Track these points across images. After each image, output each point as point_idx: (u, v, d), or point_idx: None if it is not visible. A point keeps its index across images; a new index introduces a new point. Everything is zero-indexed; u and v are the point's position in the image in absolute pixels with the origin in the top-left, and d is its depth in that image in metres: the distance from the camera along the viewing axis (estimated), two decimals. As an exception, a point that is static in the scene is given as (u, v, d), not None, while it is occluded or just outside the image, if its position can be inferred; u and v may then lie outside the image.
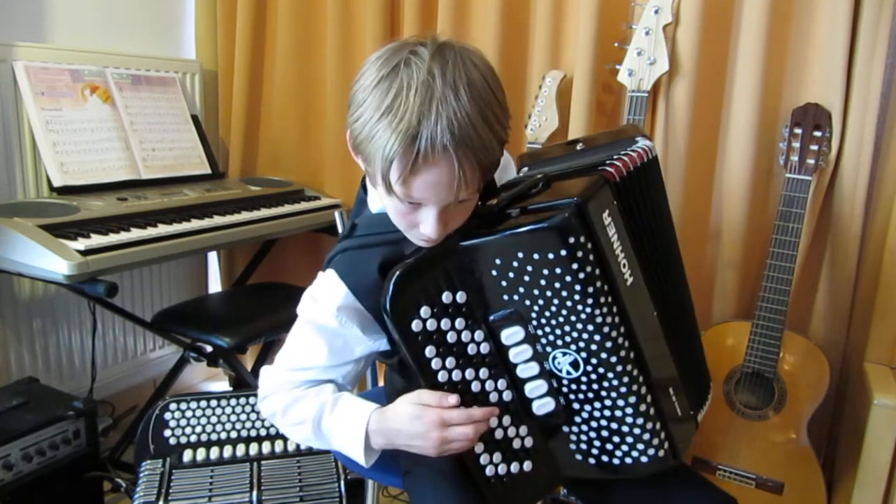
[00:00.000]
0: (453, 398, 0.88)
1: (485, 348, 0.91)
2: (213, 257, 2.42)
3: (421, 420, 0.88)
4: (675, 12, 1.61)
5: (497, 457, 0.93)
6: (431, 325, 0.87)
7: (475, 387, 0.91)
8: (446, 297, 0.88)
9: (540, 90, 1.78)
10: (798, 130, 1.57)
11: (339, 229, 1.47)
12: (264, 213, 1.92)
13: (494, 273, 0.87)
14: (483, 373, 0.91)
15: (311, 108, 2.22)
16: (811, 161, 1.54)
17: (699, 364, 1.12)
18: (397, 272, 0.85)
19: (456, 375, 0.89)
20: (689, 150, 1.70)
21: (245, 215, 1.86)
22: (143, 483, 1.44)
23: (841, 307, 1.69)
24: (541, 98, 1.78)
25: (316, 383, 0.99)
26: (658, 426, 0.93)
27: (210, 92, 2.31)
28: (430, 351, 0.87)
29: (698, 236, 1.77)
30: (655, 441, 0.94)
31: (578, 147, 1.05)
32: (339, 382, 1.00)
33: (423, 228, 0.86)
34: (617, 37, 1.69)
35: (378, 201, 0.98)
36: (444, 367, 0.88)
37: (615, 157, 0.94)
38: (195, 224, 1.72)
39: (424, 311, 0.86)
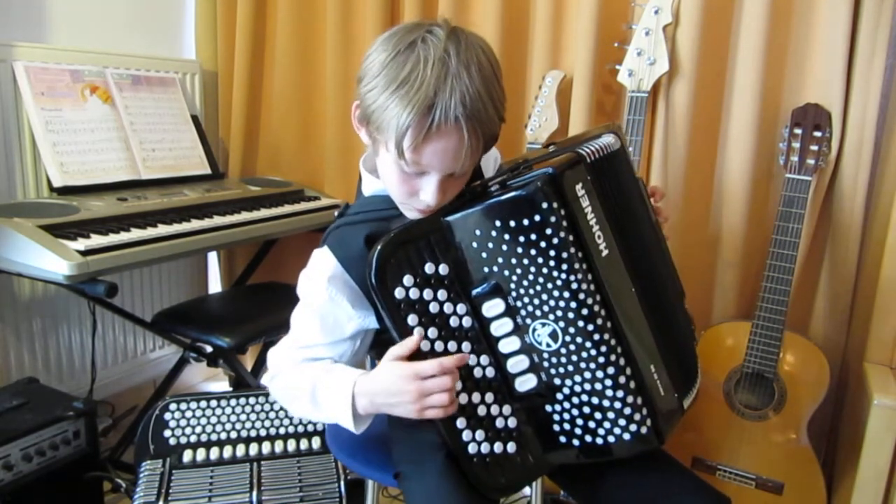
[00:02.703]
0: (415, 337, 0.89)
1: (467, 322, 0.93)
2: (213, 257, 2.42)
3: (396, 374, 0.89)
4: (675, 12, 1.61)
5: (480, 434, 0.94)
6: (414, 293, 0.90)
7: None
8: (429, 267, 0.91)
9: (540, 90, 1.78)
10: (798, 131, 1.57)
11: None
12: (264, 213, 1.92)
13: (475, 245, 0.91)
14: (465, 346, 0.93)
15: (311, 108, 2.22)
16: (811, 161, 1.54)
17: (684, 350, 1.12)
18: (382, 240, 0.89)
19: (438, 346, 0.92)
20: (689, 150, 1.70)
21: (245, 215, 1.86)
22: (143, 483, 1.44)
23: (841, 307, 1.69)
24: (541, 98, 1.78)
25: (314, 361, 1.02)
26: (639, 401, 0.94)
27: (210, 92, 2.31)
28: (412, 319, 0.90)
29: (698, 236, 1.77)
30: (637, 416, 0.94)
31: (551, 149, 1.07)
32: (337, 362, 1.02)
33: (424, 196, 0.92)
34: (617, 37, 1.69)
35: (372, 185, 1.03)
36: (426, 337, 0.91)
37: (586, 144, 0.99)
38: (195, 224, 1.72)
39: (408, 279, 0.90)
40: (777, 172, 1.70)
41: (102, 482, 1.66)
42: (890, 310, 1.52)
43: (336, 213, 1.07)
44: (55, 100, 1.77)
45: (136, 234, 1.57)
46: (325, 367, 0.99)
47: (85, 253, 1.44)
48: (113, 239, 1.51)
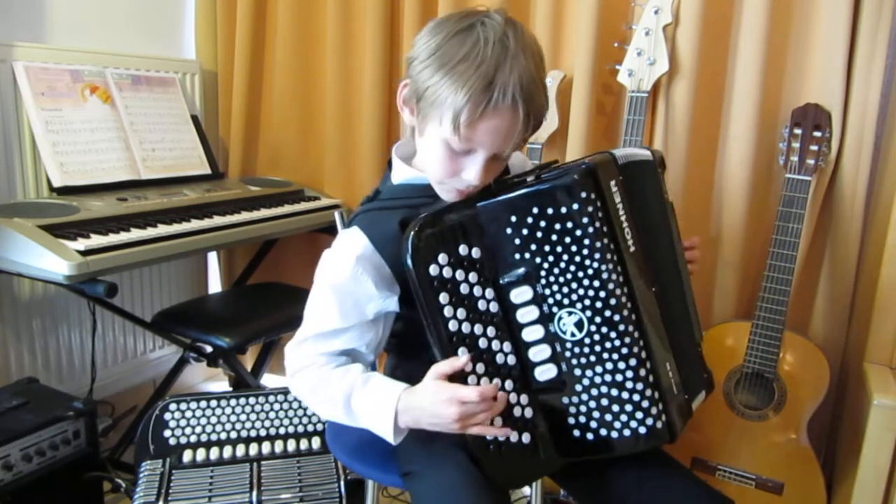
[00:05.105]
0: (464, 357, 0.90)
1: (493, 307, 0.95)
2: (213, 257, 2.42)
3: (438, 397, 0.90)
4: (675, 12, 1.61)
5: (497, 421, 0.95)
6: (447, 272, 0.92)
7: (482, 343, 0.94)
8: (463, 249, 0.93)
9: (540, 90, 1.78)
10: (798, 131, 1.57)
11: (339, 229, 1.47)
12: (264, 213, 1.92)
13: (509, 231, 0.93)
14: (490, 331, 0.95)
15: (311, 108, 2.22)
16: (811, 161, 1.54)
17: (694, 354, 1.13)
18: (421, 218, 0.91)
19: (465, 328, 0.93)
20: (689, 150, 1.70)
21: (245, 215, 1.86)
22: (143, 483, 1.44)
23: (841, 307, 1.69)
24: (541, 98, 1.77)
25: (337, 355, 1.02)
26: (656, 395, 0.96)
27: (210, 92, 2.31)
28: (443, 298, 0.91)
29: (698, 236, 1.77)
30: (654, 410, 0.96)
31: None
32: (360, 351, 1.03)
33: (467, 175, 0.94)
34: (617, 37, 1.69)
35: (403, 173, 1.04)
36: (455, 317, 0.92)
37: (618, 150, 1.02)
38: (195, 224, 1.72)
39: (442, 258, 0.91)
40: (777, 172, 1.70)
41: (102, 482, 1.66)
42: (890, 310, 1.52)
43: (363, 199, 1.08)
44: (55, 100, 1.77)
45: (136, 234, 1.57)
46: (361, 377, 0.99)
47: (85, 253, 1.44)
48: (113, 239, 1.51)
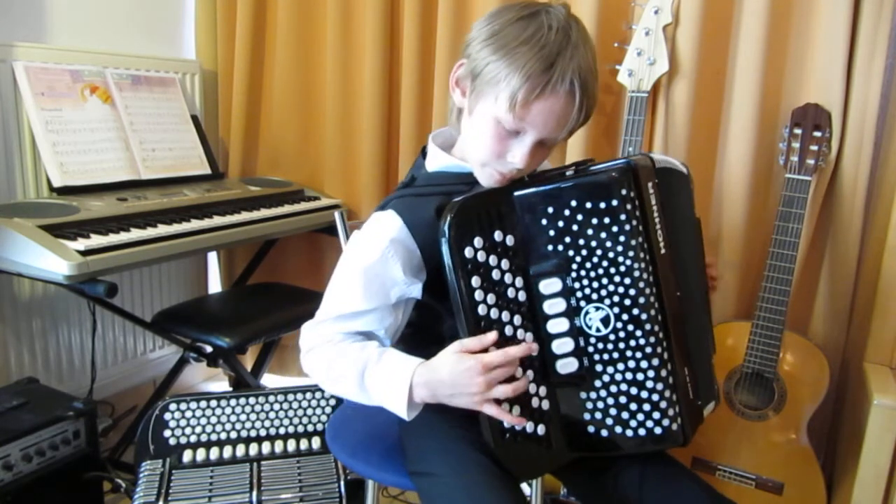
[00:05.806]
0: (492, 334, 0.90)
1: (521, 296, 0.95)
2: (213, 257, 2.42)
3: (462, 365, 0.89)
4: (675, 12, 1.61)
5: (516, 410, 0.95)
6: (481, 256, 0.92)
7: (508, 330, 0.94)
8: (498, 235, 0.93)
9: (540, 90, 1.78)
10: (798, 130, 1.57)
11: (339, 229, 1.47)
12: (264, 213, 1.92)
13: (544, 222, 0.94)
14: (517, 320, 0.95)
15: (311, 108, 2.22)
16: (811, 161, 1.54)
17: (708, 365, 1.13)
18: (459, 200, 0.92)
19: (493, 313, 0.93)
20: (689, 150, 1.70)
21: (245, 215, 1.86)
22: (143, 483, 1.44)
23: (841, 307, 1.69)
24: (541, 98, 1.77)
25: (354, 335, 1.01)
26: (674, 397, 0.96)
27: (210, 92, 2.31)
28: (475, 281, 0.91)
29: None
30: (671, 412, 0.96)
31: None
32: (378, 336, 1.02)
33: (512, 157, 0.95)
34: (617, 37, 1.69)
35: (439, 161, 1.04)
36: (484, 302, 0.92)
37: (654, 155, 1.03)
38: (195, 224, 1.72)
39: (478, 241, 0.92)
40: (777, 172, 1.70)
41: (102, 482, 1.66)
42: (890, 310, 1.52)
43: (398, 185, 1.08)
44: (55, 100, 1.77)
45: (136, 234, 1.57)
46: (377, 352, 0.98)
47: (85, 253, 1.44)
48: (113, 239, 1.51)
